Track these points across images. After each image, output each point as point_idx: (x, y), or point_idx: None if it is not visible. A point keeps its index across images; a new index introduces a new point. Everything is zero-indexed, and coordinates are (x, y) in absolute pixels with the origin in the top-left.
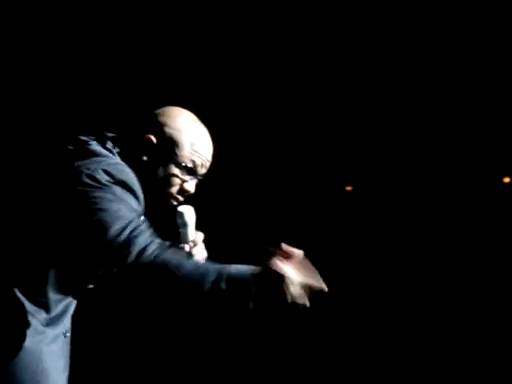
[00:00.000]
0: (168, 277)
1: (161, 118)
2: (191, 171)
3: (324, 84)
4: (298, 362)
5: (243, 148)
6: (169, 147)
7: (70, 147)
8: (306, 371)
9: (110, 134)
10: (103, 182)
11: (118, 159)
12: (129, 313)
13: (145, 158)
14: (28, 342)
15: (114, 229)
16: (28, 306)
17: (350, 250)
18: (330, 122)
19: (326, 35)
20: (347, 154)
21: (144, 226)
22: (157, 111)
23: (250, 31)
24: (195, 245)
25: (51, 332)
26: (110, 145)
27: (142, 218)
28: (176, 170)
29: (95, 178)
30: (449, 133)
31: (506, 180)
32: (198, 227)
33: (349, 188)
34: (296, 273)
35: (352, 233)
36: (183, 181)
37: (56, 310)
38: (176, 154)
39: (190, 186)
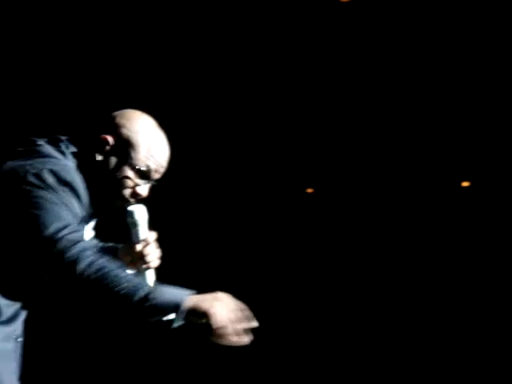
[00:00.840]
0: (100, 285)
1: (119, 120)
2: (145, 175)
3: (286, 87)
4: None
5: (203, 150)
6: (124, 149)
7: (20, 148)
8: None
9: (64, 137)
10: (48, 182)
11: (66, 161)
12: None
13: (99, 158)
14: None
15: (52, 228)
16: None
17: (311, 252)
18: (291, 124)
19: (297, 44)
20: (308, 157)
21: (81, 232)
22: (115, 113)
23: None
24: (147, 244)
25: (0, 334)
26: (63, 146)
27: (82, 225)
28: (130, 173)
29: (41, 177)
30: (408, 137)
31: (465, 184)
32: (151, 226)
33: (310, 190)
34: (224, 312)
35: (313, 235)
36: (136, 184)
37: (6, 313)
38: (131, 157)
39: (143, 189)
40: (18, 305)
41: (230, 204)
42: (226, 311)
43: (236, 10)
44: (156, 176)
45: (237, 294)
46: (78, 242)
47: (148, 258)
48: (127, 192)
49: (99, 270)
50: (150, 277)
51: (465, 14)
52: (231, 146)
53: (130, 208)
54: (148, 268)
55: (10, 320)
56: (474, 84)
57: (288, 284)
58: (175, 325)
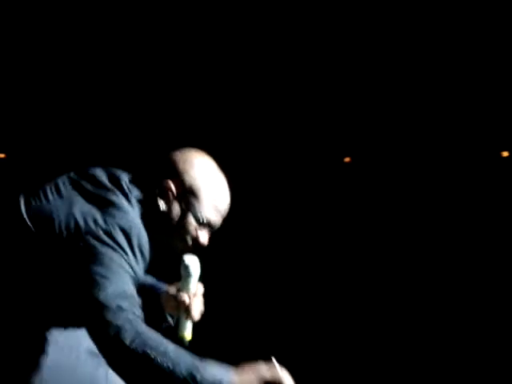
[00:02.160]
0: (141, 364)
1: (182, 165)
2: (208, 225)
3: (320, 55)
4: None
5: (240, 124)
6: (188, 198)
7: (88, 186)
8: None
9: (125, 176)
10: (119, 242)
11: (135, 214)
12: None
13: (163, 206)
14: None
15: (108, 293)
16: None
17: (348, 223)
18: (327, 94)
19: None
20: (345, 125)
21: (135, 301)
22: (177, 155)
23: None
24: (195, 296)
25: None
26: (126, 189)
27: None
28: (193, 222)
29: (112, 235)
30: (447, 106)
31: (505, 154)
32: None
33: (347, 159)
34: None
35: (351, 205)
36: (198, 233)
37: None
38: (195, 207)
39: (204, 237)
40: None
41: (266, 176)
42: None
43: None
44: (217, 224)
45: (273, 265)
46: (128, 312)
47: (192, 311)
48: (189, 240)
49: (144, 345)
50: (188, 327)
51: None
52: (268, 117)
53: (186, 260)
54: (189, 319)
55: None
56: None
57: (326, 253)
58: None
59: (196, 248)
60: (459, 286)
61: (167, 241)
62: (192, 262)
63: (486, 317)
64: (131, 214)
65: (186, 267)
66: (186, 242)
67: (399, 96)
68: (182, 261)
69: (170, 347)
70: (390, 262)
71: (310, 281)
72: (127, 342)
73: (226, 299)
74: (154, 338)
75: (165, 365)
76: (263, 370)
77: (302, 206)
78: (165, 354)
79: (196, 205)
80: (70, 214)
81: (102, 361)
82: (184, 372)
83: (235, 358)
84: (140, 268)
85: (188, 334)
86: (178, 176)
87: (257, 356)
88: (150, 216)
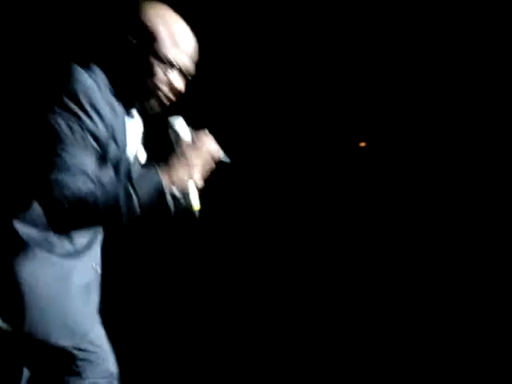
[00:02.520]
0: (82, 220)
1: (136, 11)
2: (173, 64)
3: (335, 37)
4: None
5: (251, 101)
6: (147, 40)
7: (45, 58)
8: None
9: (86, 46)
10: (69, 106)
11: (92, 77)
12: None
13: (124, 56)
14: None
15: (54, 170)
16: (50, 236)
17: (362, 205)
18: (343, 78)
19: None
20: (361, 111)
21: (83, 176)
22: (132, 5)
23: None
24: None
25: (78, 263)
26: (88, 58)
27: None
28: (157, 63)
29: (60, 102)
30: (462, 94)
31: None
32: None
33: (362, 144)
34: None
35: (365, 188)
36: (168, 75)
37: (80, 241)
38: (153, 47)
39: (176, 80)
40: (90, 234)
41: (281, 157)
42: (199, 166)
43: None
44: (186, 64)
45: (286, 248)
46: (64, 185)
47: (193, 175)
48: (162, 84)
49: (76, 206)
50: (194, 196)
51: None
52: (284, 99)
53: (171, 123)
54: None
55: (85, 249)
56: None
57: (340, 238)
58: (170, 206)
59: (175, 96)
60: (475, 270)
61: (144, 97)
62: (178, 123)
63: (490, 301)
64: (76, 75)
65: (174, 130)
66: (160, 90)
67: (414, 82)
68: (168, 126)
69: (98, 193)
70: (402, 246)
71: (321, 267)
72: (64, 209)
73: None
74: (83, 194)
75: (103, 209)
76: (191, 158)
77: (320, 189)
78: (96, 200)
79: (155, 44)
80: (32, 97)
81: (92, 298)
82: (123, 206)
83: None
84: (100, 128)
85: (195, 203)
86: (133, 22)
87: None
88: (117, 75)
